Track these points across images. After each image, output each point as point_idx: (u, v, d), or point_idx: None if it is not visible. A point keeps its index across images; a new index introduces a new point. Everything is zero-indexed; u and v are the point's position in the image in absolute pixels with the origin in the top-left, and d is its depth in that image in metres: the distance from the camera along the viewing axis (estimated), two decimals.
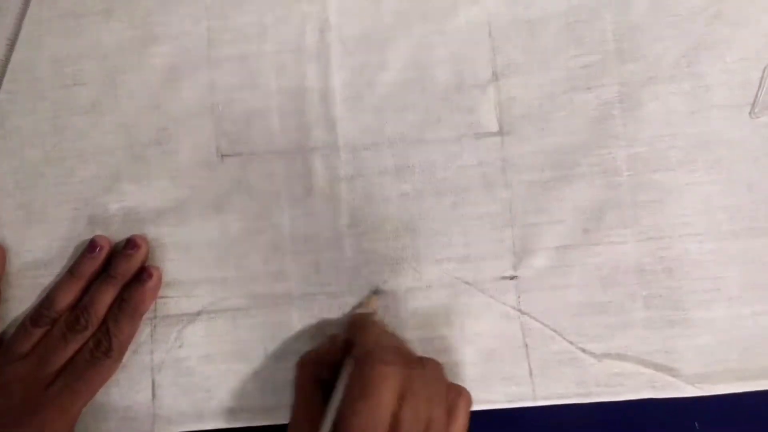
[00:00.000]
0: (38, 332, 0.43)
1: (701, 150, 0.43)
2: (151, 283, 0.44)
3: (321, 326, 0.44)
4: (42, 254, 0.45)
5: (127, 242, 0.44)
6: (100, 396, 0.44)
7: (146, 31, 0.46)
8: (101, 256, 0.44)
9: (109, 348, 0.42)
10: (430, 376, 0.37)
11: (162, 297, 0.45)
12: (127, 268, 0.44)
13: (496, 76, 0.45)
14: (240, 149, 0.45)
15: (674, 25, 0.44)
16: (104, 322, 0.43)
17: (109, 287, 0.43)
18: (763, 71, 0.43)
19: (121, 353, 0.43)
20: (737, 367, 0.42)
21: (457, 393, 0.38)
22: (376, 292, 0.44)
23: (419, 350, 0.43)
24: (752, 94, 0.43)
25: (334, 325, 0.44)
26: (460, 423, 0.37)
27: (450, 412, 0.37)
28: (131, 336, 0.44)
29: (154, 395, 0.45)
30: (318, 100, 0.45)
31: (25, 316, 0.44)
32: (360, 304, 0.44)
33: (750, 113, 0.43)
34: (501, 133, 0.44)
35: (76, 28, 0.46)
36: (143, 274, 0.44)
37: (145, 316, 0.45)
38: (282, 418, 0.44)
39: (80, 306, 0.43)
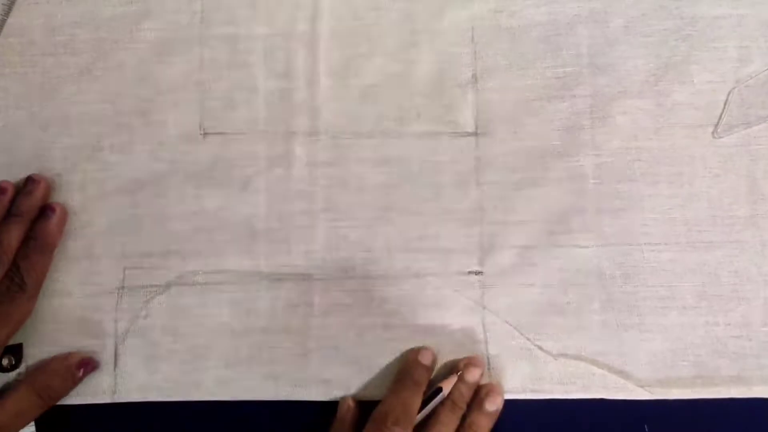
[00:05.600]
0: None
1: (664, 164, 0.45)
2: (55, 218, 0.45)
3: (288, 306, 0.45)
4: None
5: (27, 180, 0.46)
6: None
7: (140, 6, 0.47)
8: (6, 198, 0.45)
9: (22, 283, 0.43)
10: None
11: (132, 268, 0.46)
12: (29, 204, 0.45)
13: (475, 79, 0.46)
14: (223, 128, 0.46)
15: (646, 44, 0.46)
16: (15, 260, 0.44)
17: (14, 225, 0.44)
18: (728, 95, 0.46)
19: (36, 289, 0.44)
20: (688, 375, 0.44)
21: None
22: None
23: (385, 336, 0.44)
24: (716, 115, 0.46)
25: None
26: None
27: None
28: (44, 272, 0.45)
29: (116, 364, 0.45)
30: (304, 85, 0.47)
31: None
32: None
33: (713, 133, 0.46)
34: (476, 133, 0.46)
35: None
36: (47, 209, 0.45)
37: (112, 286, 0.45)
38: (241, 393, 0.44)
39: None
